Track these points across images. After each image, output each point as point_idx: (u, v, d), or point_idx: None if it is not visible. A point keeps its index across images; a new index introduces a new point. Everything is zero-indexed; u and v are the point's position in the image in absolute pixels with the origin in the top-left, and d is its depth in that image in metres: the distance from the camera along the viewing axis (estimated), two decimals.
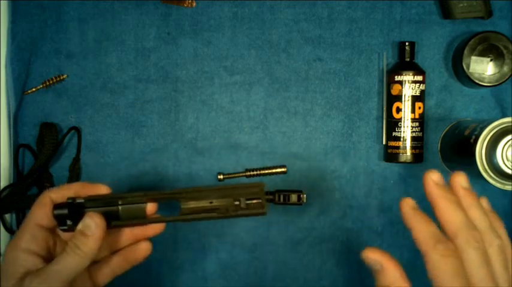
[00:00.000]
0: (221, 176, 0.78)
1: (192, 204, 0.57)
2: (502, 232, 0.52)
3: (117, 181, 0.78)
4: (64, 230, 0.58)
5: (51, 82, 0.78)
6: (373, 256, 0.50)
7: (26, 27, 0.77)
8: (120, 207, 0.58)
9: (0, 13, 0.77)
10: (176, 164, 0.79)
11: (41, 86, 0.78)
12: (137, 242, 0.63)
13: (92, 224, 0.56)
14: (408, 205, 0.53)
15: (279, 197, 0.77)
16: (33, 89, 0.78)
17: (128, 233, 0.63)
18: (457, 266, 0.48)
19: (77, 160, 0.78)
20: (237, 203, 0.56)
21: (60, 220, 0.57)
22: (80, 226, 0.56)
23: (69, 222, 0.57)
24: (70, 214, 0.57)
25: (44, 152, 0.76)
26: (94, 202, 0.58)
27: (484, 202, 0.55)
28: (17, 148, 0.77)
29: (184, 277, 0.79)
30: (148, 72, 0.78)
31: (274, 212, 0.79)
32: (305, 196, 0.77)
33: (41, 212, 0.58)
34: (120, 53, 0.78)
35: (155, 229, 0.62)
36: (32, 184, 0.77)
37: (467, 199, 0.53)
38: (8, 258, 0.57)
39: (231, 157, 0.79)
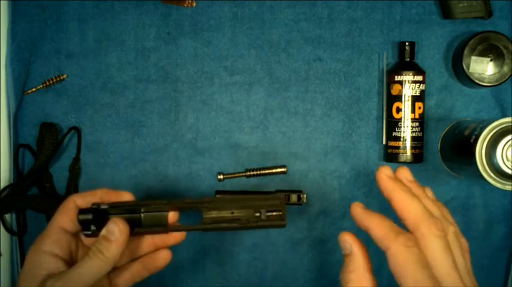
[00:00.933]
0: (221, 176, 0.78)
1: (214, 214, 0.57)
2: (452, 220, 0.54)
3: (117, 181, 0.79)
4: (88, 235, 0.58)
5: (51, 82, 0.78)
6: (347, 239, 0.52)
7: (26, 27, 0.77)
8: (142, 214, 0.59)
9: (0, 13, 0.77)
10: (176, 164, 0.79)
11: (41, 86, 0.78)
12: (157, 250, 0.63)
13: (116, 229, 0.56)
14: (359, 207, 0.54)
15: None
16: (33, 89, 0.78)
17: (148, 241, 0.63)
18: (421, 256, 0.48)
19: (77, 160, 0.78)
20: (257, 214, 0.56)
21: (84, 224, 0.57)
22: (103, 232, 0.57)
23: (93, 227, 0.57)
24: (94, 219, 0.57)
25: (44, 152, 0.76)
26: (118, 208, 0.58)
27: (429, 192, 0.56)
28: (17, 148, 0.77)
29: (184, 277, 0.79)
30: (148, 72, 0.78)
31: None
32: (305, 196, 0.77)
33: (65, 217, 0.59)
34: (120, 53, 0.78)
35: (176, 237, 0.62)
36: (32, 184, 0.77)
37: (417, 190, 0.54)
38: (30, 260, 0.57)
39: (231, 157, 0.79)
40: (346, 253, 0.52)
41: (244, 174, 0.78)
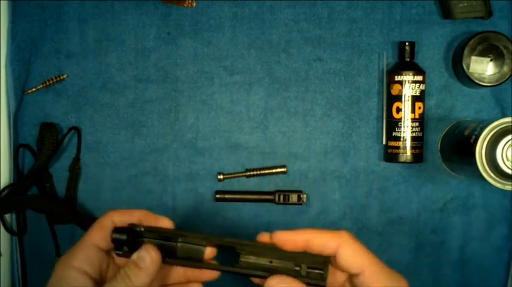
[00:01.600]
0: (221, 176, 0.78)
1: (252, 259, 0.55)
2: None
3: (117, 181, 0.79)
4: (119, 255, 0.56)
5: (51, 82, 0.78)
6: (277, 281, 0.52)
7: (26, 27, 0.77)
8: (179, 244, 0.56)
9: (0, 13, 0.77)
10: (176, 164, 0.79)
11: (41, 86, 0.78)
12: (189, 283, 0.60)
13: (147, 257, 0.54)
14: (280, 232, 0.54)
15: (279, 197, 0.77)
16: (33, 89, 0.78)
17: (181, 272, 0.60)
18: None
19: (77, 160, 0.78)
20: (297, 268, 0.53)
21: (117, 244, 0.55)
22: (134, 257, 0.54)
23: (125, 248, 0.55)
24: (128, 240, 0.55)
25: (44, 152, 0.76)
26: (154, 233, 0.56)
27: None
28: (17, 148, 0.77)
29: None
30: (148, 72, 0.78)
31: (274, 212, 0.79)
32: (305, 196, 0.77)
33: (99, 233, 0.56)
34: (120, 53, 0.78)
35: (211, 275, 0.60)
36: (32, 184, 0.77)
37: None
38: (59, 275, 0.55)
39: (231, 157, 0.79)
40: None
41: (244, 174, 0.78)
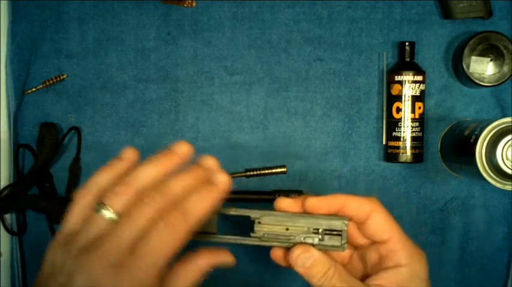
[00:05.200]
0: None
1: (267, 227, 0.54)
2: None
3: None
4: None
5: (51, 82, 0.78)
6: (301, 250, 0.52)
7: (26, 27, 0.77)
8: None
9: (0, 13, 0.77)
10: None
11: (41, 86, 0.78)
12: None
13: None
14: (311, 197, 0.53)
15: (279, 197, 0.77)
16: (33, 89, 0.78)
17: None
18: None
19: (77, 160, 0.78)
20: (314, 232, 0.53)
21: None
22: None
23: None
24: None
25: (44, 152, 0.76)
26: None
27: None
28: (17, 148, 0.77)
29: None
30: (148, 72, 0.78)
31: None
32: None
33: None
34: (120, 53, 0.78)
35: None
36: (32, 184, 0.77)
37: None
38: None
39: (231, 157, 0.79)
40: (308, 264, 0.51)
41: (244, 174, 0.78)
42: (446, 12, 0.77)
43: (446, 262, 0.79)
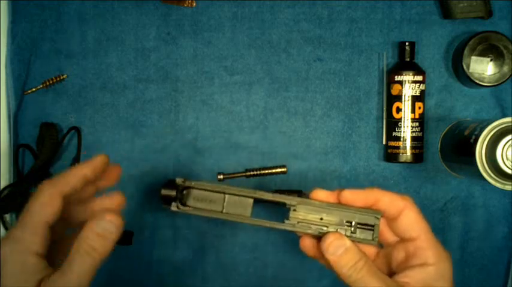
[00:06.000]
0: (221, 176, 0.78)
1: (302, 215, 0.54)
2: None
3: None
4: (175, 212, 0.54)
5: (51, 82, 0.78)
6: (335, 237, 0.53)
7: (26, 27, 0.77)
8: (226, 196, 0.55)
9: (0, 13, 0.77)
10: (176, 164, 0.79)
11: (41, 86, 0.78)
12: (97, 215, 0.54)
13: (113, 227, 0.52)
14: (349, 190, 0.54)
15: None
16: (33, 89, 0.78)
17: (81, 210, 0.57)
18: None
19: (77, 160, 0.78)
20: (347, 224, 0.54)
21: (165, 200, 0.54)
22: (96, 228, 0.51)
23: (176, 205, 0.54)
24: (177, 196, 0.54)
25: (44, 152, 0.76)
26: (201, 185, 0.55)
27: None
28: (17, 148, 0.77)
29: (184, 277, 0.79)
30: (148, 72, 0.78)
31: (274, 213, 0.79)
32: (305, 196, 0.77)
33: (50, 210, 0.51)
34: (120, 53, 0.78)
35: (117, 200, 0.57)
36: (32, 184, 0.77)
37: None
38: (14, 262, 0.50)
39: (231, 157, 0.79)
40: (339, 252, 0.52)
41: (244, 174, 0.78)
42: (446, 12, 0.77)
43: None
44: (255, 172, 0.78)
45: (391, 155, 0.77)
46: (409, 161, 0.76)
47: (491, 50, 0.75)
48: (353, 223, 0.53)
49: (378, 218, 0.53)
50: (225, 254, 0.79)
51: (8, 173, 0.78)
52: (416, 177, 0.79)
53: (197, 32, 0.78)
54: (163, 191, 0.55)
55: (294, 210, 0.54)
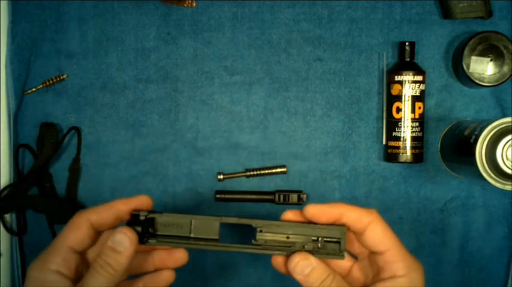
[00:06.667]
0: (221, 176, 0.78)
1: (269, 236, 0.55)
2: None
3: (117, 181, 0.79)
4: (147, 244, 0.55)
5: (51, 82, 0.78)
6: (301, 257, 0.54)
7: (26, 27, 0.77)
8: (193, 221, 0.56)
9: (0, 13, 0.77)
10: (176, 164, 0.79)
11: (41, 86, 0.78)
12: (160, 271, 0.59)
13: (126, 239, 0.53)
14: (312, 205, 0.54)
15: (279, 197, 0.77)
16: (33, 89, 0.78)
17: (148, 260, 0.59)
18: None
19: (77, 160, 0.78)
20: (314, 242, 0.54)
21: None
22: (110, 243, 0.53)
23: (150, 239, 0.55)
24: (143, 231, 0.54)
25: (44, 152, 0.76)
26: (168, 217, 0.55)
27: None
28: (17, 148, 0.77)
29: (184, 277, 0.79)
30: (148, 72, 0.78)
31: (274, 212, 0.79)
32: (305, 196, 0.77)
33: (75, 235, 0.54)
34: (120, 53, 0.78)
35: (180, 259, 0.59)
36: (32, 184, 0.77)
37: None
38: (35, 278, 0.53)
39: (231, 157, 0.79)
40: (306, 271, 0.52)
41: (244, 174, 0.78)
42: (446, 12, 0.77)
43: (446, 262, 0.79)
44: (255, 172, 0.78)
45: (391, 155, 0.77)
46: (409, 161, 0.76)
47: (491, 50, 0.75)
48: (319, 239, 0.54)
49: (343, 232, 0.53)
50: (225, 254, 0.79)
51: (8, 173, 0.78)
52: (416, 177, 0.79)
53: (197, 32, 0.78)
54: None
55: (261, 231, 0.55)
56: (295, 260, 0.53)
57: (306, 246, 0.54)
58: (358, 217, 0.53)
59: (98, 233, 0.56)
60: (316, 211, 0.53)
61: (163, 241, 0.55)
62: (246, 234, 0.57)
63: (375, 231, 0.52)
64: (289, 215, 0.55)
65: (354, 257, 0.57)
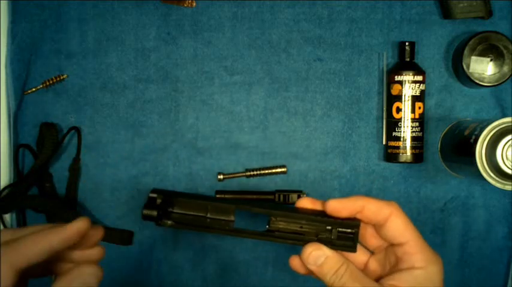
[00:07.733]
0: (221, 176, 0.78)
1: (282, 224, 0.55)
2: None
3: (117, 181, 0.79)
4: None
5: (51, 82, 0.78)
6: (313, 248, 0.53)
7: (26, 27, 0.77)
8: (209, 206, 0.55)
9: (0, 13, 0.77)
10: (176, 164, 0.79)
11: (41, 86, 0.78)
12: (79, 266, 0.49)
13: (94, 280, 0.48)
14: (334, 200, 0.53)
15: (279, 197, 0.77)
16: (33, 89, 0.78)
17: (61, 257, 0.50)
18: None
19: (77, 160, 0.78)
20: (327, 232, 0.53)
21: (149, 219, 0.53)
22: (76, 283, 0.47)
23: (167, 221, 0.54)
24: (158, 215, 0.53)
25: (44, 152, 0.76)
26: (184, 199, 0.54)
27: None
28: (17, 148, 0.77)
29: (184, 277, 0.79)
30: (148, 72, 0.78)
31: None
32: (305, 195, 0.77)
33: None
34: (120, 53, 0.78)
35: (97, 254, 0.51)
36: (32, 184, 0.77)
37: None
38: None
39: (231, 157, 0.79)
40: (319, 262, 0.52)
41: (244, 174, 0.78)
42: (446, 12, 0.77)
43: (446, 262, 0.78)
44: (255, 172, 0.78)
45: (391, 155, 0.77)
46: (409, 161, 0.76)
47: (491, 50, 0.75)
48: (333, 231, 0.54)
49: (357, 225, 0.53)
50: (225, 254, 0.79)
51: (8, 173, 0.78)
52: (416, 177, 0.79)
53: (197, 32, 0.78)
54: (145, 212, 0.53)
55: (275, 219, 0.55)
56: (308, 251, 0.52)
57: (319, 235, 0.54)
58: (378, 209, 0.53)
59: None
60: (337, 206, 0.53)
61: (180, 223, 0.54)
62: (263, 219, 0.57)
63: (395, 223, 0.52)
64: (306, 202, 0.54)
65: (370, 252, 0.57)
